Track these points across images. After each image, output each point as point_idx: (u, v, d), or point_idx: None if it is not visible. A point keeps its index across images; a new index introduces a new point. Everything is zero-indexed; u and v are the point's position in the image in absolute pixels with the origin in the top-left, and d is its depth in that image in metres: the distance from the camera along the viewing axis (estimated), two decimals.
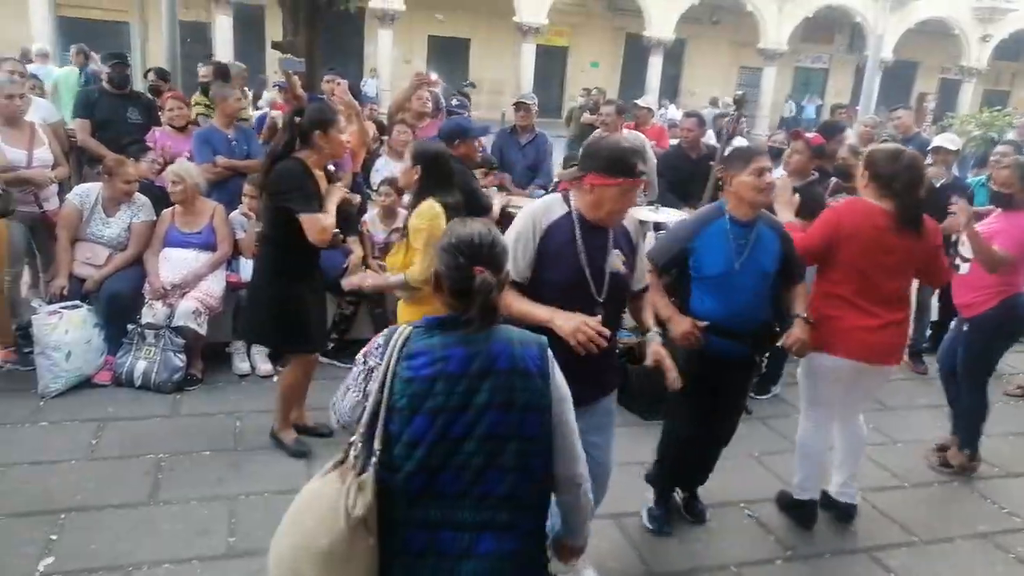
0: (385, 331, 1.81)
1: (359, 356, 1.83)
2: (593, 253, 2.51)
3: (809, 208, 4.65)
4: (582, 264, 2.49)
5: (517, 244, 2.50)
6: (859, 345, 3.23)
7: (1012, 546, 3.53)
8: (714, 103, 17.88)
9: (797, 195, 3.77)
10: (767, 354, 3.35)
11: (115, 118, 5.54)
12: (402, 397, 1.69)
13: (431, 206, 3.24)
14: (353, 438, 1.78)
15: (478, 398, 1.71)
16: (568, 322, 2.34)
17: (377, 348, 1.77)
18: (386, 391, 1.70)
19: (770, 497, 3.78)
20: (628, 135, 5.86)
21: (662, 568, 3.20)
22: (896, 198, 3.18)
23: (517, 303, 2.47)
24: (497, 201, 4.43)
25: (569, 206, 2.56)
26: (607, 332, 2.38)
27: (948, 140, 5.49)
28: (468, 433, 1.70)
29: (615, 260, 2.56)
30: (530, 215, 2.55)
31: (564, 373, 1.99)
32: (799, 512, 3.59)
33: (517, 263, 2.48)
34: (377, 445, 1.70)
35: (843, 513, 3.61)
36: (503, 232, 2.05)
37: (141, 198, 4.68)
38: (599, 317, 2.41)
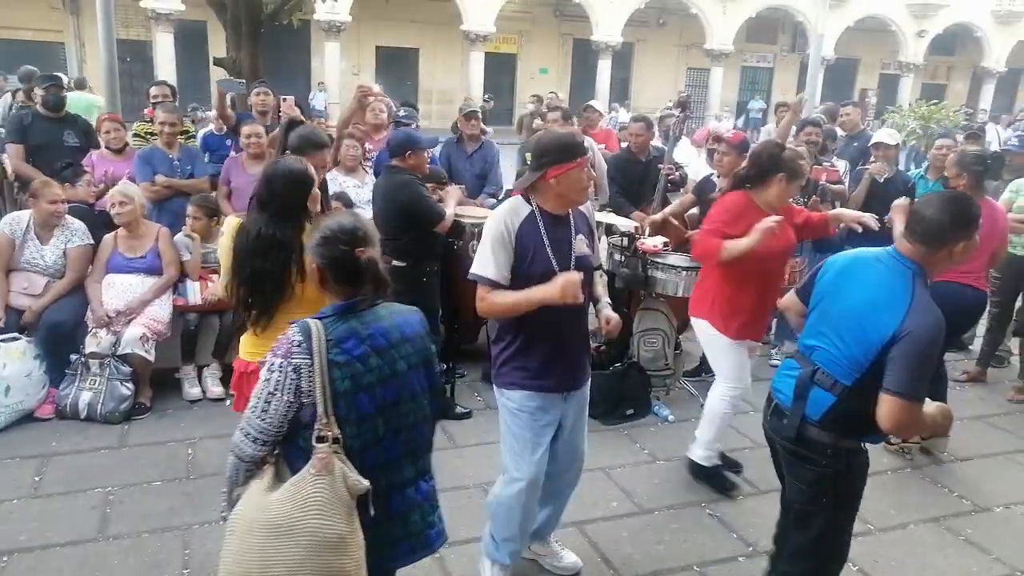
0: (295, 330, 1.88)
1: (274, 363, 1.87)
2: (559, 243, 2.69)
3: None
4: (550, 255, 2.66)
5: (496, 248, 2.65)
6: None
7: (962, 528, 3.62)
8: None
9: None
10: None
11: (50, 142, 5.38)
12: (344, 380, 1.86)
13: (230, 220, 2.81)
14: (274, 449, 1.93)
15: (399, 365, 1.96)
16: (553, 290, 2.52)
17: (299, 346, 1.86)
18: (326, 380, 1.84)
19: (732, 496, 3.82)
20: None
21: (628, 572, 3.19)
22: None
23: (503, 298, 2.66)
24: (450, 210, 4.41)
25: (531, 204, 2.70)
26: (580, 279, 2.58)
27: (887, 135, 5.63)
28: (399, 396, 1.97)
29: (580, 244, 2.73)
30: (502, 220, 2.68)
31: (548, 361, 2.70)
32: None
33: (499, 266, 2.64)
34: (336, 430, 1.85)
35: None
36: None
37: (75, 222, 4.54)
38: (580, 274, 2.60)
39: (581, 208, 2.83)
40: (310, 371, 1.84)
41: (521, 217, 2.68)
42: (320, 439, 1.84)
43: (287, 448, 1.94)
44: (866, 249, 2.56)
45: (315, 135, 3.54)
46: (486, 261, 2.67)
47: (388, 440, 1.95)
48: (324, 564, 1.82)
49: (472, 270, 2.72)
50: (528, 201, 2.71)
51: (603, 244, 5.76)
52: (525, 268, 2.66)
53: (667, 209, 5.27)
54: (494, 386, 2.91)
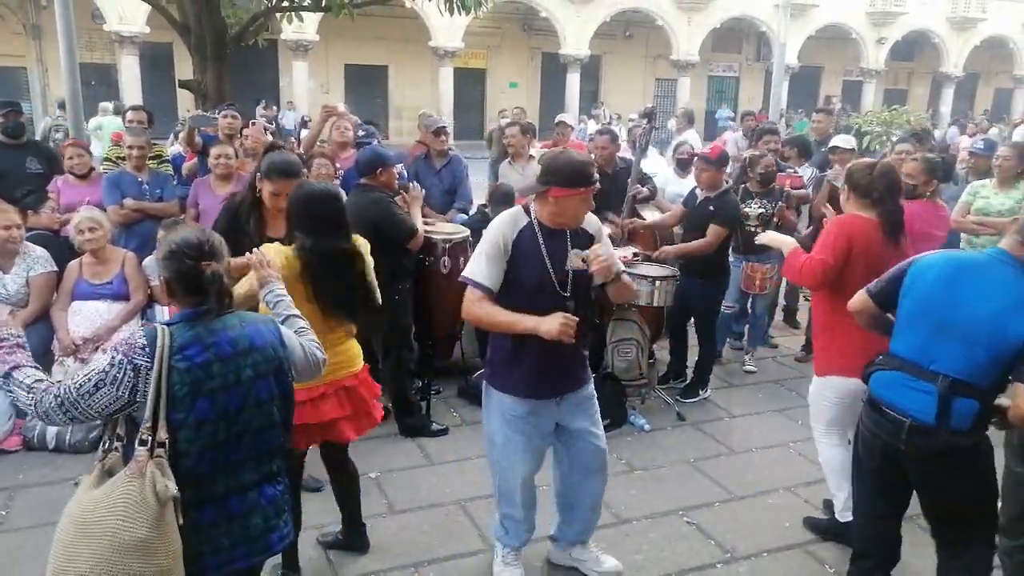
0: (141, 334, 1.97)
1: (115, 357, 1.93)
2: (555, 255, 2.78)
3: (725, 215, 4.82)
4: (547, 266, 2.76)
5: (490, 258, 2.76)
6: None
7: None
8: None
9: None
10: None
11: (11, 169, 5.30)
12: (183, 386, 1.93)
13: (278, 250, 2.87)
14: (107, 446, 2.01)
15: (245, 373, 2.03)
16: (551, 326, 2.60)
17: (143, 349, 1.93)
18: (163, 385, 1.90)
19: (708, 502, 3.84)
20: (536, 154, 5.93)
21: None
22: (876, 207, 3.26)
23: (499, 315, 2.74)
24: (418, 220, 4.41)
25: (530, 216, 2.82)
26: (577, 320, 2.65)
27: (843, 140, 5.75)
28: (244, 404, 2.02)
29: (574, 259, 2.79)
30: (499, 230, 2.80)
31: (538, 369, 2.79)
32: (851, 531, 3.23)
33: (491, 276, 2.76)
34: (164, 434, 1.90)
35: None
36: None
37: (36, 249, 4.48)
38: (570, 311, 2.69)
39: (583, 224, 2.89)
40: (148, 374, 1.91)
41: (519, 227, 2.80)
42: (141, 442, 1.89)
43: (127, 448, 1.99)
44: (960, 252, 2.63)
45: (292, 163, 3.54)
46: (480, 267, 2.77)
47: (229, 444, 2.01)
48: (120, 567, 1.83)
49: (465, 271, 2.84)
50: (528, 212, 2.84)
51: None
52: (520, 276, 2.76)
53: (658, 218, 5.37)
54: (485, 383, 3.01)
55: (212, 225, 3.72)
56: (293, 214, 2.95)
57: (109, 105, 12.75)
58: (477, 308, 2.76)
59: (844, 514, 3.42)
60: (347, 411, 2.93)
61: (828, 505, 3.70)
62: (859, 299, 2.82)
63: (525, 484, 3.04)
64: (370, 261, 3.05)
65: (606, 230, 2.99)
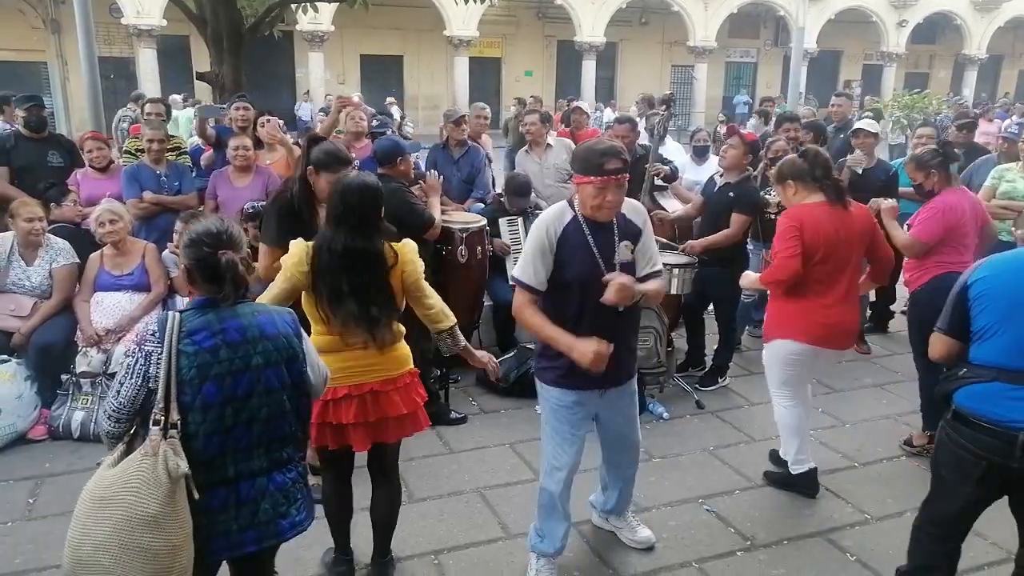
0: (153, 320, 2.07)
1: (131, 349, 2.04)
2: (603, 247, 2.77)
3: (744, 202, 4.77)
4: (596, 258, 2.75)
5: (536, 257, 2.77)
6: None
7: None
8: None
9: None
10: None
11: (34, 163, 5.36)
12: (190, 369, 2.00)
13: None
14: (132, 429, 2.07)
15: (254, 359, 2.07)
16: (585, 356, 2.66)
17: (153, 335, 2.02)
18: (173, 368, 1.98)
19: (728, 490, 3.83)
20: (553, 142, 5.91)
21: (626, 571, 3.20)
22: (818, 183, 3.53)
23: (545, 327, 2.78)
24: (436, 212, 4.42)
25: (574, 210, 2.81)
26: (610, 349, 2.69)
27: (867, 124, 5.66)
28: (251, 390, 2.07)
29: (623, 251, 2.81)
30: (544, 228, 2.78)
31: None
32: (803, 482, 3.77)
33: (538, 275, 2.78)
34: (176, 416, 1.97)
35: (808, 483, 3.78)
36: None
37: (59, 242, 4.53)
38: (611, 346, 2.69)
39: (624, 213, 2.83)
40: (158, 358, 1.99)
41: (564, 223, 2.78)
42: (154, 422, 1.96)
43: (144, 430, 2.05)
44: (1016, 251, 2.54)
45: (341, 151, 3.50)
46: (527, 267, 2.80)
47: (238, 430, 2.06)
48: (132, 540, 1.89)
49: (514, 272, 2.90)
50: (572, 206, 2.83)
51: None
52: (568, 270, 2.75)
53: (679, 211, 5.34)
54: (536, 379, 3.06)
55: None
56: (330, 204, 2.80)
57: (178, 97, 13.09)
58: (526, 312, 2.81)
59: (795, 467, 3.78)
60: (360, 418, 2.75)
61: (774, 456, 4.01)
62: (939, 344, 2.63)
63: (568, 478, 3.00)
64: (408, 268, 2.80)
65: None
